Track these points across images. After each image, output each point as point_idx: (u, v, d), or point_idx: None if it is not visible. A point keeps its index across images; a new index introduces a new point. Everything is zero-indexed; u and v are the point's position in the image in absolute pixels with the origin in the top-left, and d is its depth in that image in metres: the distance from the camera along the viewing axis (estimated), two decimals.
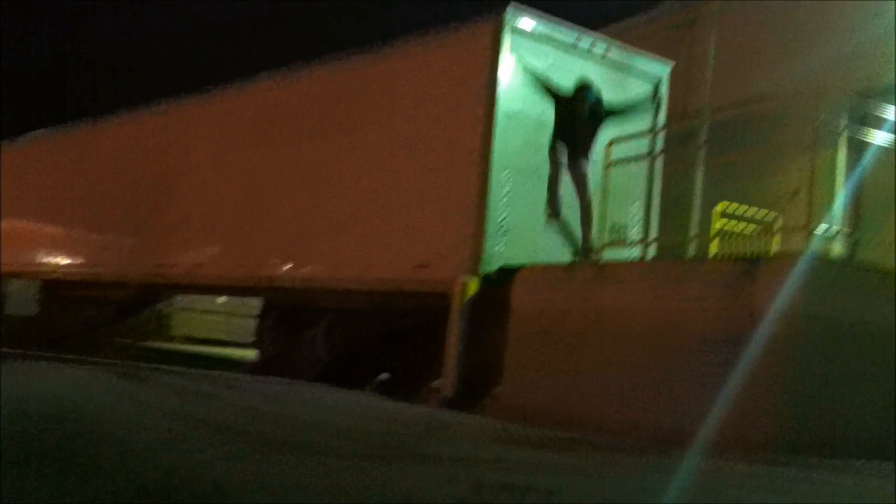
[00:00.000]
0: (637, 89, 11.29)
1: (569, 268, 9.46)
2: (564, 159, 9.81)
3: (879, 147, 8.62)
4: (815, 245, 7.62)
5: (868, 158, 9.31)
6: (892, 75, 10.91)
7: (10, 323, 18.71)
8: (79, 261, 17.82)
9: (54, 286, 18.95)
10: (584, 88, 9.88)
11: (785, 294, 7.02)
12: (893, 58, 11.13)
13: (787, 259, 7.49)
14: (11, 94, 32.52)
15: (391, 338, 11.93)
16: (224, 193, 14.22)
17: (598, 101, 9.91)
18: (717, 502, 4.20)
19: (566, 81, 10.38)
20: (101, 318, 17.52)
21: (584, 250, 9.87)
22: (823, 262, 7.30)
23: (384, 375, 11.49)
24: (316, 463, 4.53)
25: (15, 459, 3.78)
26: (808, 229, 7.55)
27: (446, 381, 9.80)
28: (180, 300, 18.65)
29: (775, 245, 10.53)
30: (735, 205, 10.85)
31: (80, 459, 4.13)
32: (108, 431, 5.09)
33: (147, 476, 4.06)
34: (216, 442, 5.56)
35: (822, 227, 7.81)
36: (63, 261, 18.29)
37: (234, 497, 3.63)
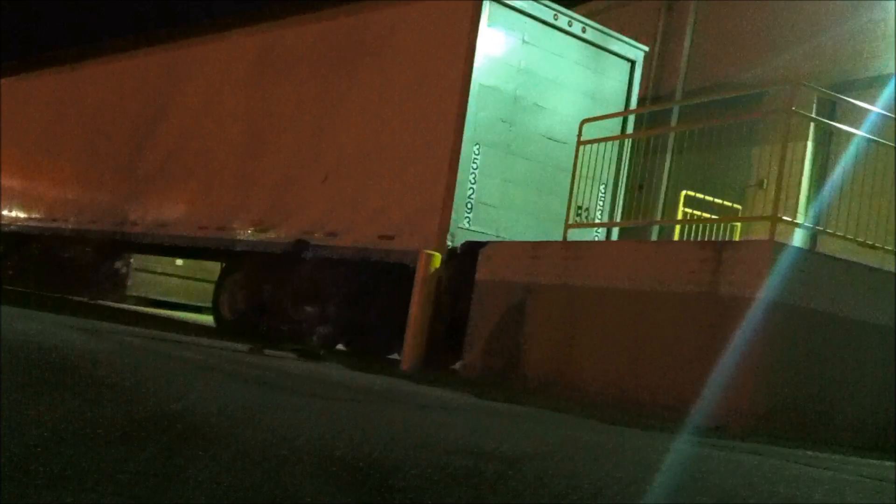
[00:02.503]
0: (612, 70, 11.31)
1: (535, 245, 9.47)
2: None
3: (848, 138, 8.70)
4: (780, 233, 7.67)
5: (836, 149, 9.41)
6: (863, 69, 11.03)
7: None
8: (39, 214, 17.52)
9: (13, 238, 18.62)
10: None
11: (752, 279, 7.08)
12: (864, 53, 11.25)
13: (753, 245, 7.56)
14: None
15: (356, 306, 11.87)
16: (199, 149, 14.01)
17: None
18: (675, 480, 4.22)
19: (543, 58, 10.38)
20: (59, 273, 17.25)
21: None
22: (789, 250, 7.36)
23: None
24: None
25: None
26: (775, 218, 7.59)
27: (408, 353, 9.78)
28: (138, 260, 18.39)
29: (737, 235, 10.65)
30: (699, 194, 10.94)
31: (66, 393, 4.07)
32: (87, 372, 5.00)
33: (143, 408, 4.03)
34: (209, 381, 5.56)
35: (788, 216, 7.85)
36: (22, 213, 17.97)
37: (236, 430, 3.60)
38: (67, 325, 8.92)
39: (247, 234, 12.54)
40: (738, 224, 10.83)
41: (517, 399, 7.55)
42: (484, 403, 7.13)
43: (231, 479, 2.86)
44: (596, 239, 10.90)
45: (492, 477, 3.58)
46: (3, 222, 18.29)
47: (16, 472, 2.60)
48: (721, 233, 10.66)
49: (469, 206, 10.17)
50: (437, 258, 9.82)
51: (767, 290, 7.02)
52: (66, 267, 17.26)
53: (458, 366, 10.12)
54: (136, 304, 18.56)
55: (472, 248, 9.91)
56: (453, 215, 10.04)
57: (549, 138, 10.76)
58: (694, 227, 10.72)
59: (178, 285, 19.51)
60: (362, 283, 11.68)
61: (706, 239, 10.22)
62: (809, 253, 8.42)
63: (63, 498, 2.42)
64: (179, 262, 19.03)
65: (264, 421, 4.31)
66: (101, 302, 17.58)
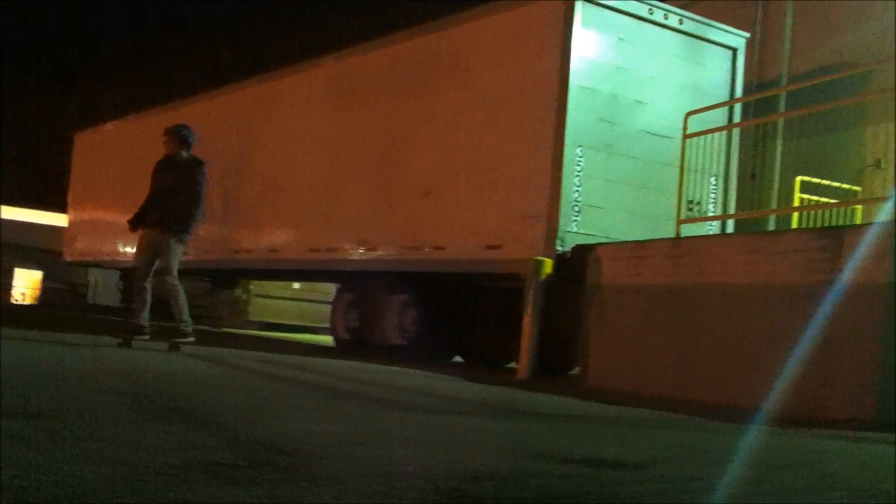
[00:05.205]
0: (713, 60, 11.08)
1: (644, 244, 9.32)
2: None
3: None
4: None
5: None
6: None
7: (93, 311, 19.14)
8: None
9: (128, 274, 19.30)
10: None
11: (876, 264, 6.81)
12: None
13: (875, 228, 7.25)
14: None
15: (467, 318, 11.91)
16: (297, 175, 14.32)
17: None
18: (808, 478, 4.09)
19: (641, 53, 10.27)
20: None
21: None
22: None
23: None
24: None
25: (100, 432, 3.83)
26: (892, 198, 7.29)
27: (522, 361, 9.74)
28: (257, 286, 18.87)
29: (857, 218, 10.26)
30: (814, 179, 10.59)
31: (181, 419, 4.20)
32: (212, 400, 5.14)
33: (255, 434, 4.13)
34: (323, 401, 5.64)
35: None
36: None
37: (344, 450, 3.65)
38: (194, 354, 9.19)
39: (357, 254, 12.72)
40: (859, 207, 10.44)
41: (634, 402, 7.44)
42: (601, 409, 7.05)
43: None
44: (710, 233, 10.66)
45: (613, 484, 3.53)
46: (123, 258, 19.00)
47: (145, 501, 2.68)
48: (841, 217, 10.29)
49: (576, 209, 10.08)
50: (548, 264, 9.75)
51: (893, 274, 6.74)
52: (188, 297, 17.80)
53: (574, 371, 10.03)
54: (257, 329, 19.06)
55: (582, 252, 9.81)
56: (560, 220, 9.96)
57: (653, 134, 10.60)
58: (812, 213, 10.37)
59: (296, 308, 19.96)
60: (471, 295, 11.73)
61: (826, 225, 9.88)
62: None
63: None
64: (297, 285, 19.47)
65: (377, 441, 4.34)
66: (223, 329, 18.10)
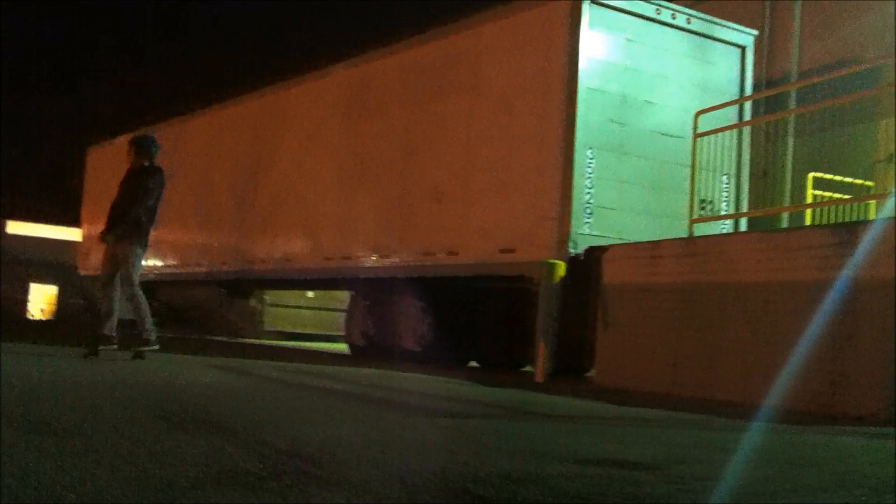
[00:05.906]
0: (722, 58, 11.06)
1: (657, 244, 9.29)
2: None
3: None
4: None
5: None
6: None
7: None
8: (169, 261, 18.19)
9: (150, 287, 19.35)
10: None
11: (885, 260, 6.77)
12: None
13: (889, 223, 7.21)
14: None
15: (482, 323, 11.90)
16: (310, 183, 14.34)
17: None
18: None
19: (649, 54, 10.24)
20: (197, 315, 17.86)
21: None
22: None
23: None
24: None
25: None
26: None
27: (539, 364, 9.73)
28: (271, 295, 18.89)
29: (870, 213, 10.21)
30: (828, 175, 10.54)
31: (206, 427, 4.21)
32: (225, 407, 5.15)
33: (275, 439, 4.14)
34: (339, 408, 5.63)
35: None
36: (153, 262, 18.68)
37: (360, 454, 3.66)
38: (209, 364, 9.21)
39: (370, 260, 12.73)
40: (872, 202, 10.38)
41: (649, 403, 7.42)
42: (617, 409, 7.03)
43: None
44: (723, 232, 10.62)
45: (629, 484, 3.52)
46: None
47: None
48: (855, 213, 10.24)
49: (588, 211, 10.06)
50: (561, 266, 9.73)
51: None
52: (203, 308, 17.86)
53: (591, 373, 10.01)
54: (273, 339, 19.07)
55: (595, 253, 9.79)
56: (573, 222, 9.94)
57: (663, 134, 10.58)
58: (825, 209, 10.32)
59: (311, 317, 19.95)
60: (485, 299, 11.71)
61: (840, 220, 9.83)
62: None
63: None
64: (311, 294, 19.48)
65: (392, 445, 4.34)
66: (240, 339, 18.13)
